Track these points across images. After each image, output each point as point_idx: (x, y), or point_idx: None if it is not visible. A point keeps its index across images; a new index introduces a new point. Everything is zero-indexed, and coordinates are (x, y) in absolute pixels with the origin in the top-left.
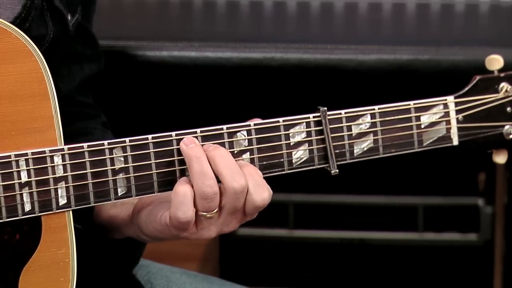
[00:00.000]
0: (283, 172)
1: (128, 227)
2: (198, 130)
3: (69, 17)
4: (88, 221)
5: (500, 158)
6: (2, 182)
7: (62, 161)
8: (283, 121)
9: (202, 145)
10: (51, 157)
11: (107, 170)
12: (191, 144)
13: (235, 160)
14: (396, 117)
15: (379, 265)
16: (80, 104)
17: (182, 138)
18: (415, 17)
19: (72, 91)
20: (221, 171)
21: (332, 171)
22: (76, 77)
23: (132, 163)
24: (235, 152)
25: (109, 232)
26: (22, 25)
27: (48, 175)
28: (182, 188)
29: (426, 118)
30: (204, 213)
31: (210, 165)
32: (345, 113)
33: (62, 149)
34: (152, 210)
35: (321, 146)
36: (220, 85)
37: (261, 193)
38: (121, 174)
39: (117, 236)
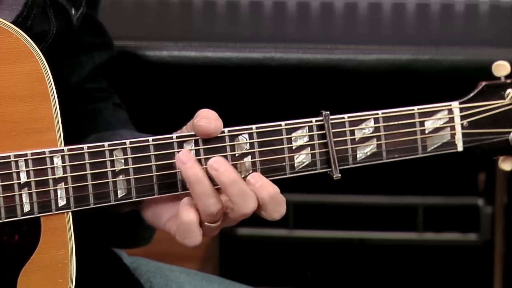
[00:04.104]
0: (285, 176)
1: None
2: None
3: (73, 12)
4: None
5: (507, 165)
6: (1, 182)
7: (62, 162)
8: (285, 124)
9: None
10: (51, 158)
11: (107, 171)
12: (188, 162)
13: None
14: (400, 122)
15: (379, 265)
16: (88, 90)
17: (183, 140)
18: (415, 17)
19: (80, 81)
20: (231, 199)
21: (335, 176)
22: (86, 67)
23: (132, 165)
24: (237, 155)
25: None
26: (25, 23)
27: (48, 176)
28: (187, 216)
29: (430, 124)
30: (210, 224)
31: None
32: (348, 117)
33: (62, 150)
34: (156, 211)
35: (324, 150)
36: (220, 85)
37: (279, 210)
38: (121, 176)
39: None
